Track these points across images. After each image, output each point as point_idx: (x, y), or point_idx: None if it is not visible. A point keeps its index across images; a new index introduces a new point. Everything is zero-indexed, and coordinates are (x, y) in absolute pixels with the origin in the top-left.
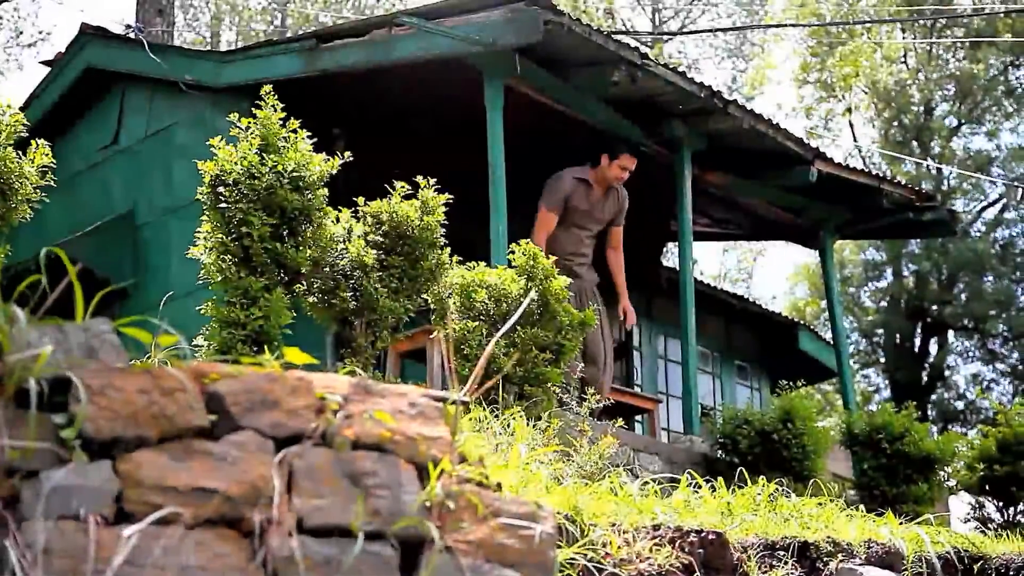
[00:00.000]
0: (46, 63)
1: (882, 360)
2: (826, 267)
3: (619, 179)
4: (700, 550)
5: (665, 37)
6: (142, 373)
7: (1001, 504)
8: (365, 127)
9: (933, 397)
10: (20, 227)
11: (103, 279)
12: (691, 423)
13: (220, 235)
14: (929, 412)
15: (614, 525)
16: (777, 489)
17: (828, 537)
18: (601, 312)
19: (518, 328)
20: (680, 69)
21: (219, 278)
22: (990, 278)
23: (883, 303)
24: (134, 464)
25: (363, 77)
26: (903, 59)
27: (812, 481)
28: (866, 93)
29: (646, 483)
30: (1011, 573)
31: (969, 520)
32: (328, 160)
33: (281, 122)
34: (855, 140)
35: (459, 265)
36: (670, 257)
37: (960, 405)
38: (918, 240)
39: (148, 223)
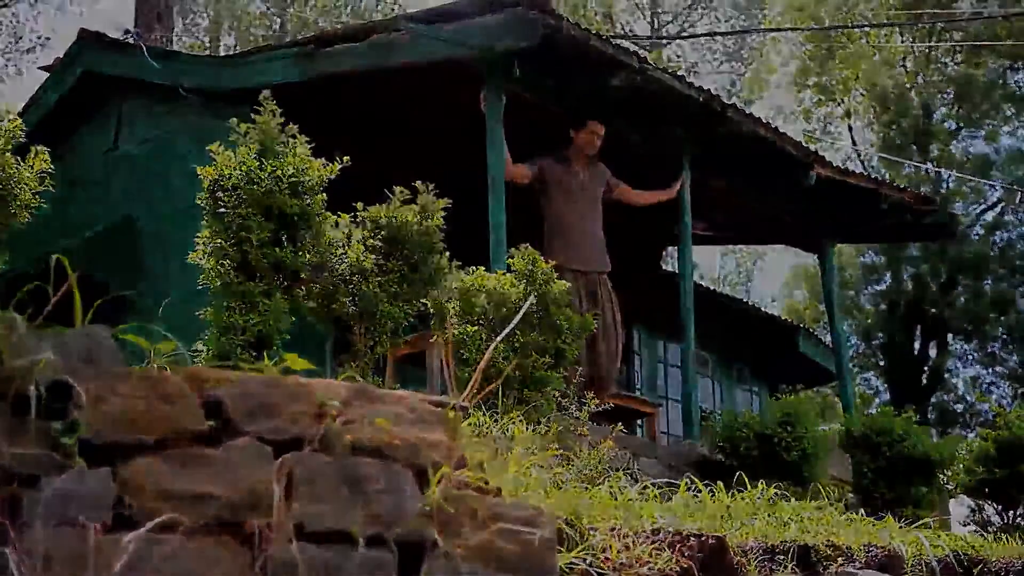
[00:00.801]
0: (45, 68)
1: (881, 363)
2: (825, 270)
3: (592, 145)
4: (700, 554)
5: (664, 41)
6: (141, 379)
7: (1001, 507)
8: (364, 132)
9: (932, 400)
10: (19, 232)
11: (102, 284)
12: (691, 427)
13: (219, 240)
14: (928, 415)
15: (614, 529)
16: (777, 493)
17: (828, 541)
18: (613, 303)
19: (518, 332)
20: (679, 73)
21: (218, 283)
22: (989, 281)
23: (882, 306)
24: (133, 470)
25: (362, 82)
26: (902, 63)
27: (812, 484)
28: (864, 96)
29: (646, 487)
30: None
31: (968, 523)
32: (327, 165)
33: (280, 127)
34: (854, 144)
35: (458, 270)
36: (670, 261)
37: (959, 408)
38: (917, 243)
39: (147, 228)
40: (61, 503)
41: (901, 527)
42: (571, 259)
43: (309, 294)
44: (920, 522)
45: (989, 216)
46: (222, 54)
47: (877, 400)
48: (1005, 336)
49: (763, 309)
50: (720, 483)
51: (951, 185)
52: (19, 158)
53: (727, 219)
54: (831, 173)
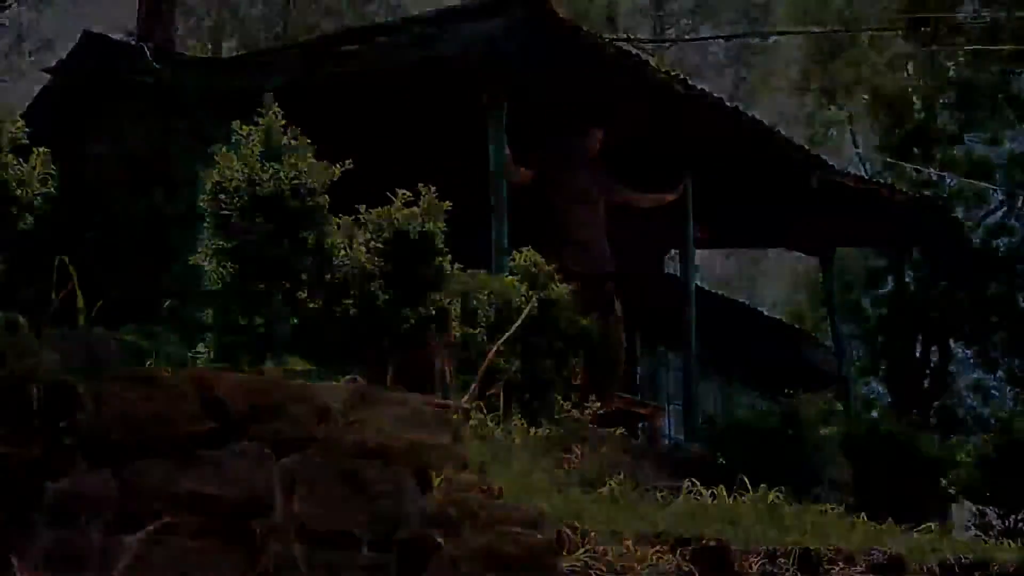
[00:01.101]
0: (47, 70)
1: (883, 367)
2: (827, 274)
3: (594, 148)
4: (701, 557)
5: (666, 44)
6: (144, 380)
7: (1002, 511)
8: (366, 133)
9: (934, 404)
10: (21, 234)
11: (104, 286)
12: (693, 430)
13: (221, 242)
14: (930, 419)
15: (615, 532)
16: (779, 497)
17: (829, 545)
18: (616, 305)
19: (520, 335)
20: (681, 77)
21: (220, 285)
22: (991, 286)
23: (884, 310)
24: (136, 471)
25: (365, 84)
26: (904, 66)
27: (813, 489)
28: (866, 100)
29: (647, 491)
30: None
31: (970, 527)
32: (329, 167)
33: (282, 129)
34: (856, 147)
35: (460, 272)
36: (672, 264)
37: (961, 412)
38: (919, 247)
39: (149, 230)
40: (63, 504)
41: (903, 531)
42: (574, 261)
43: (311, 296)
44: (922, 526)
45: (992, 220)
46: (225, 56)
47: (879, 404)
48: (1007, 341)
49: (765, 313)
50: (722, 487)
51: (953, 188)
52: (21, 160)
53: (729, 223)
54: (833, 177)
